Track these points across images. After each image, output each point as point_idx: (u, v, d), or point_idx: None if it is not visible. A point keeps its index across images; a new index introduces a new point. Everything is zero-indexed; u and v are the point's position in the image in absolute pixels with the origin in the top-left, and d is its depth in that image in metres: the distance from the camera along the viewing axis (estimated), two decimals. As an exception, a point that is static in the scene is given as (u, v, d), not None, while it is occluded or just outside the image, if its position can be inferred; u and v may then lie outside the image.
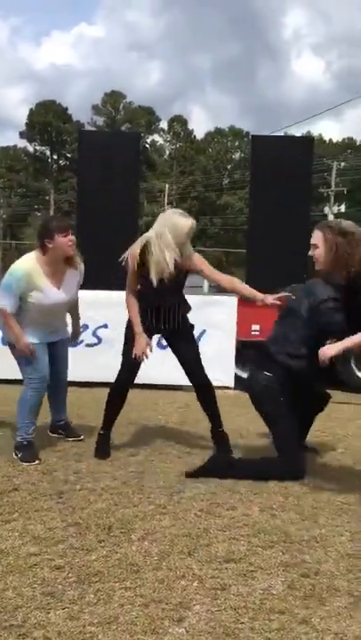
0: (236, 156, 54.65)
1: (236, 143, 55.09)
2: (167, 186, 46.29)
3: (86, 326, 5.88)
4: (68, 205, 42.94)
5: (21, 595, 2.13)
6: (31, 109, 53.55)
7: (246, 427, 4.74)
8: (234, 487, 3.35)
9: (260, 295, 3.66)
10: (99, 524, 2.76)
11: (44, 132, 52.87)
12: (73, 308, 4.05)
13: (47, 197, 52.24)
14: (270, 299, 3.60)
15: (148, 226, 3.81)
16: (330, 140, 53.87)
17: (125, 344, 3.82)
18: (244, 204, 43.31)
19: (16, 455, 3.68)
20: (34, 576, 2.27)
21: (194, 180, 51.32)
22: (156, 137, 55.75)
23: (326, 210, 37.70)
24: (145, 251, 3.58)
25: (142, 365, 3.88)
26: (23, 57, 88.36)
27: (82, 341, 5.49)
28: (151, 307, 3.72)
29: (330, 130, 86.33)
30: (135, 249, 3.61)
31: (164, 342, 6.25)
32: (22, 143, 54.84)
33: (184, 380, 4.03)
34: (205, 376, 3.92)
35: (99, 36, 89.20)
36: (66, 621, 1.97)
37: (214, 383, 6.04)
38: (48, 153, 55.18)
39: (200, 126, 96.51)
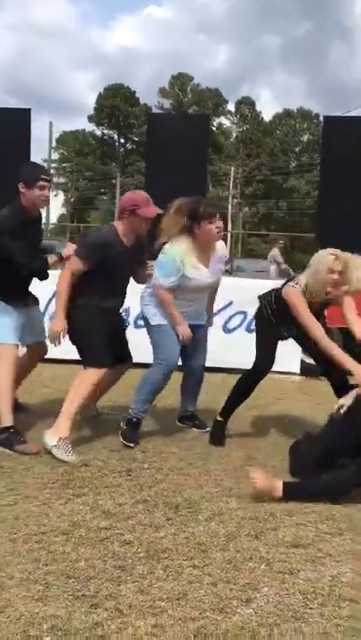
0: (305, 138, 53.44)
1: (305, 125, 53.84)
2: (233, 169, 45.89)
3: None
4: (134, 189, 43.36)
5: (93, 566, 2.19)
6: (100, 93, 54.20)
7: (312, 412, 4.69)
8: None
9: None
10: (166, 503, 2.80)
11: (112, 116, 53.41)
12: (212, 292, 4.03)
13: (113, 181, 52.86)
14: None
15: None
16: None
17: (260, 336, 3.87)
18: (311, 187, 42.45)
19: (121, 428, 3.72)
20: (105, 549, 2.33)
21: (260, 163, 50.60)
22: (222, 119, 55.27)
23: None
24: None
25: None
26: (92, 41, 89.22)
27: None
28: None
29: None
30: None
31: (231, 326, 6.30)
32: (90, 127, 55.64)
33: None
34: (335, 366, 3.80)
35: (166, 17, 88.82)
36: (136, 595, 2.02)
37: (280, 368, 6.03)
38: (115, 137, 55.75)
39: (268, 108, 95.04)
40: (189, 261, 3.62)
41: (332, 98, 75.96)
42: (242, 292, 5.93)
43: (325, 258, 3.52)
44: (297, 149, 53.13)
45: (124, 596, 2.01)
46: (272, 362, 3.84)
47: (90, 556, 2.27)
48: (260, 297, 3.90)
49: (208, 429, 3.97)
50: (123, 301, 3.87)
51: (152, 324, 3.74)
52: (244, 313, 6.17)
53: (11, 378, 3.59)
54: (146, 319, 3.81)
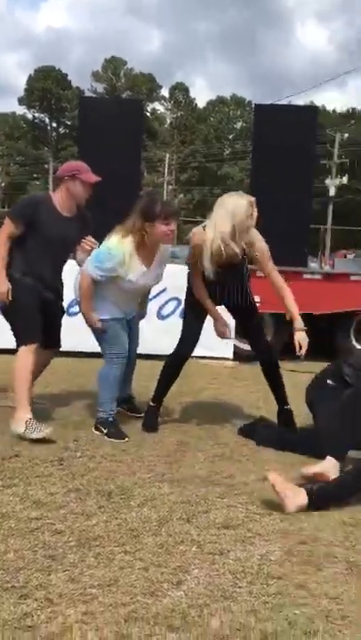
0: (238, 125, 53.94)
1: (238, 112, 54.34)
2: (167, 155, 45.80)
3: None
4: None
5: (23, 557, 2.16)
6: (30, 75, 52.74)
7: (245, 397, 4.78)
8: (232, 455, 3.39)
9: (296, 319, 3.64)
10: (98, 491, 2.79)
11: (44, 99, 52.12)
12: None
13: (46, 166, 51.71)
14: (297, 339, 3.61)
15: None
16: (333, 110, 53.15)
17: (186, 318, 3.90)
18: (244, 174, 42.91)
19: (100, 431, 3.64)
20: (35, 539, 2.29)
21: (195, 150, 50.75)
22: (156, 105, 54.98)
23: (328, 182, 37.32)
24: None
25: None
26: (22, 22, 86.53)
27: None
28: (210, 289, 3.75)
29: (334, 100, 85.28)
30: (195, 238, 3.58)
31: (164, 312, 6.32)
32: (21, 110, 54.11)
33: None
34: (268, 351, 3.95)
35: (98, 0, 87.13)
36: (67, 583, 2.00)
37: (213, 354, 6.11)
38: (47, 120, 54.47)
39: (202, 95, 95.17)
40: (133, 264, 3.52)
41: (265, 86, 76.97)
42: (176, 279, 5.92)
43: (243, 199, 3.49)
44: (231, 137, 53.59)
45: (55, 585, 1.99)
46: (194, 345, 3.86)
47: (19, 547, 2.24)
48: (188, 262, 3.85)
49: (142, 414, 3.98)
50: (60, 279, 3.82)
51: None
52: (178, 299, 6.19)
53: None
54: None
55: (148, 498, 2.75)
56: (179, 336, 3.90)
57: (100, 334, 3.67)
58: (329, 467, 2.99)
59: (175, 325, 5.97)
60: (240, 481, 3.01)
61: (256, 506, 2.72)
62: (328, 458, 3.04)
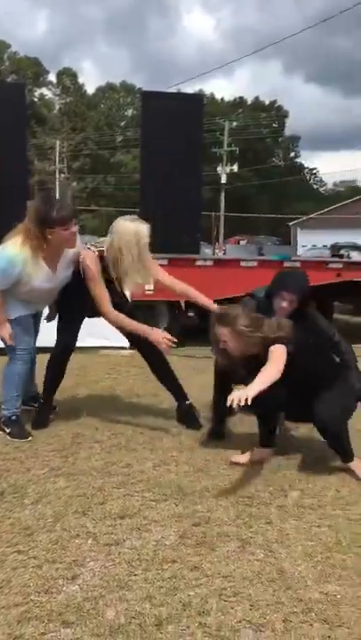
0: (129, 112, 53.66)
1: (129, 99, 54.02)
2: (58, 142, 44.70)
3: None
4: None
5: None
6: None
7: (142, 385, 4.80)
8: (129, 444, 3.40)
9: (213, 306, 3.56)
10: (-10, 491, 2.70)
11: None
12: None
13: None
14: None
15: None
16: (222, 99, 54.19)
17: (67, 312, 3.71)
18: (137, 162, 42.89)
19: (4, 431, 3.49)
20: None
21: (86, 137, 49.91)
22: (44, 90, 53.42)
23: (219, 169, 38.11)
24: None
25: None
26: None
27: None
28: None
29: (222, 89, 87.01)
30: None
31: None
32: None
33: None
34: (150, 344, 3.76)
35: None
36: None
37: (110, 344, 6.08)
38: None
39: (91, 81, 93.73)
40: (36, 269, 3.37)
41: (154, 73, 76.97)
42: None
43: (143, 227, 3.47)
44: (122, 124, 53.20)
45: None
46: (75, 334, 3.73)
47: None
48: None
49: (57, 408, 3.91)
50: None
51: None
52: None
53: None
54: None
55: (43, 494, 2.70)
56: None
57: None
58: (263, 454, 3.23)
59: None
60: (137, 469, 3.03)
61: (153, 493, 2.75)
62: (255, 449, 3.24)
